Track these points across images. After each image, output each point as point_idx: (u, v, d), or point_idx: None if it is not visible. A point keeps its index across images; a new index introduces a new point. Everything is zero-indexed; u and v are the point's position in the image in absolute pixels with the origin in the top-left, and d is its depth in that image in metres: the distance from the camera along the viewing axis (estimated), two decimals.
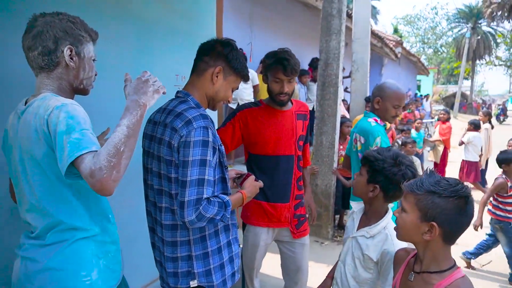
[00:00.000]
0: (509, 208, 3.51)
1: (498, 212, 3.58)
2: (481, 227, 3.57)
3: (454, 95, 29.37)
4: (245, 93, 5.12)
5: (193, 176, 1.37)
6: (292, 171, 2.17)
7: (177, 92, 1.60)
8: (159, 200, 1.53)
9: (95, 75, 1.40)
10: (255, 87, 5.36)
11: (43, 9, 1.31)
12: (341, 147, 4.54)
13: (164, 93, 1.31)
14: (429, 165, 7.83)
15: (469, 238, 4.45)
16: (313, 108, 5.30)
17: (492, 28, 33.59)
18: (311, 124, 3.95)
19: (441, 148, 7.06)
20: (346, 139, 4.54)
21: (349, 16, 6.28)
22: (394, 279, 1.35)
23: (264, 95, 5.32)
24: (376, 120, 2.35)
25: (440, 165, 7.05)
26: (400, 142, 5.40)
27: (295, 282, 2.30)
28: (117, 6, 2.29)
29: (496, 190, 3.60)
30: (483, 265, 3.87)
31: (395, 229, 1.27)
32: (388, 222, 1.56)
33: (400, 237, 1.26)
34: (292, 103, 2.22)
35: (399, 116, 2.48)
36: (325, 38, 4.30)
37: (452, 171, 7.37)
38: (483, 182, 7.12)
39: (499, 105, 32.06)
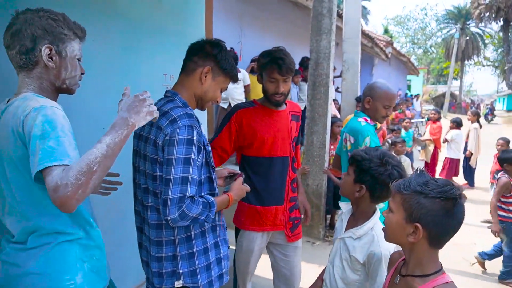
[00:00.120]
0: None
1: (501, 213, 3.57)
2: (502, 232, 3.50)
3: (443, 95, 29.75)
4: (236, 93, 5.10)
5: (176, 174, 1.37)
6: (287, 173, 2.13)
7: (166, 91, 1.61)
8: (145, 199, 1.53)
9: (82, 74, 1.35)
10: (246, 87, 5.34)
11: (28, 5, 1.26)
12: (332, 147, 4.54)
13: (155, 119, 1.28)
14: (420, 164, 7.93)
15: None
16: (304, 108, 5.30)
17: (480, 29, 34.16)
18: (303, 124, 3.94)
19: (431, 148, 7.16)
20: (337, 139, 4.54)
21: (340, 16, 6.29)
22: (385, 281, 1.33)
23: (255, 94, 5.34)
24: (366, 120, 2.34)
25: (431, 164, 7.14)
26: (390, 142, 5.43)
27: (287, 286, 2.25)
28: (104, 3, 2.25)
29: (503, 190, 3.55)
30: (472, 264, 3.90)
31: (383, 229, 1.24)
32: (375, 223, 1.54)
33: (387, 238, 1.23)
34: (286, 104, 2.18)
35: (389, 116, 2.48)
36: (315, 37, 4.30)
37: None
38: (472, 181, 7.22)
39: (487, 105, 32.59)
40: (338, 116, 5.95)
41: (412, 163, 6.18)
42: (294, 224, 2.20)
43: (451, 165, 6.74)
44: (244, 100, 5.15)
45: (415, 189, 1.11)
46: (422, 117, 15.89)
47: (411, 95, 17.69)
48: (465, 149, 7.27)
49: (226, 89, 1.67)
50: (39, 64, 1.24)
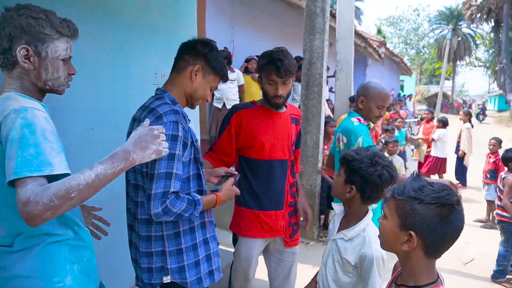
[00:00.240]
0: None
1: (501, 213, 3.57)
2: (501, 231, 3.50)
3: (436, 95, 30.00)
4: (230, 93, 5.08)
5: (160, 170, 1.38)
6: (285, 177, 2.08)
7: (156, 89, 1.62)
8: (135, 195, 1.55)
9: (72, 74, 1.31)
10: (240, 87, 5.32)
11: (18, 1, 1.22)
12: (326, 147, 4.54)
13: (163, 156, 1.29)
14: (413, 164, 7.99)
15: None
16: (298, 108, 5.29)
17: (472, 30, 34.51)
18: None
19: (425, 147, 7.23)
20: (330, 139, 4.53)
21: (333, 15, 6.30)
22: None
23: (249, 94, 5.33)
24: (359, 120, 2.33)
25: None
26: (383, 142, 5.46)
27: None
28: (95, 1, 2.21)
29: None
30: (465, 263, 3.91)
31: (379, 236, 1.18)
32: (367, 225, 1.52)
33: (382, 245, 1.18)
34: (286, 106, 2.12)
35: (383, 116, 2.47)
36: (309, 37, 4.29)
37: None
38: (464, 181, 7.28)
39: (478, 105, 32.95)
40: (332, 116, 5.96)
41: (405, 163, 6.21)
42: (294, 230, 2.14)
43: (436, 163, 6.84)
44: (238, 100, 5.12)
45: (409, 195, 1.04)
46: (415, 117, 16.01)
47: (404, 95, 17.81)
48: (457, 148, 7.35)
49: (217, 88, 1.68)
50: (18, 64, 1.19)
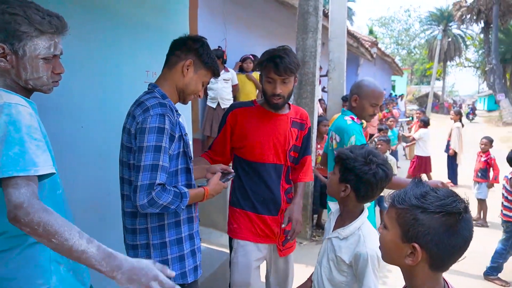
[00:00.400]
0: None
1: (505, 212, 3.59)
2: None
3: (427, 95, 30.27)
4: (225, 92, 5.06)
5: (146, 161, 1.39)
6: (279, 182, 2.02)
7: (148, 84, 1.64)
8: (121, 188, 1.57)
9: (60, 73, 1.25)
10: (234, 87, 5.29)
11: None
12: (319, 146, 4.54)
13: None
14: (405, 163, 8.04)
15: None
16: None
17: (462, 31, 34.90)
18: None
19: None
20: (323, 138, 4.53)
21: (326, 15, 6.31)
22: None
23: (244, 94, 5.30)
24: (352, 118, 2.31)
25: None
26: (376, 141, 5.48)
27: None
28: None
29: None
30: (457, 261, 3.92)
31: (379, 248, 1.08)
32: (362, 223, 1.50)
33: (383, 258, 1.07)
34: (289, 108, 2.05)
35: (376, 115, 2.45)
36: (301, 36, 4.28)
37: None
38: (455, 180, 7.35)
39: (468, 105, 33.34)
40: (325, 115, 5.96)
41: (397, 162, 6.26)
42: (287, 238, 2.06)
43: (420, 163, 6.93)
44: (232, 100, 5.10)
45: (411, 203, 0.94)
46: (407, 117, 16.12)
47: (396, 95, 17.95)
48: (447, 147, 7.43)
49: (208, 84, 1.68)
50: None
